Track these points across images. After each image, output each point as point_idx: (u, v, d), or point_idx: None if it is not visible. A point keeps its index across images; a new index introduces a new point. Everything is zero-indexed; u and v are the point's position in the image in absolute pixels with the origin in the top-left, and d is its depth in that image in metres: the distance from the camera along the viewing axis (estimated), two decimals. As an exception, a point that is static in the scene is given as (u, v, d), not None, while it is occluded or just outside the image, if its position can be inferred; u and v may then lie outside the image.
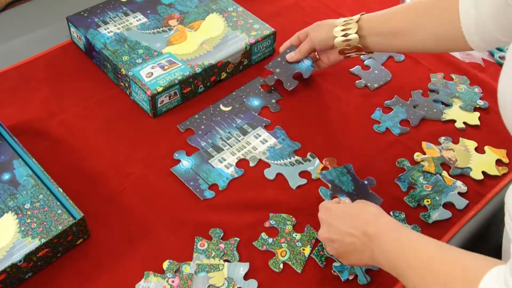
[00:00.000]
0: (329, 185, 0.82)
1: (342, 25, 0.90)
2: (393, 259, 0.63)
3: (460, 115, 0.97)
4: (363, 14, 0.90)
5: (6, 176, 0.82)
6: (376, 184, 0.83)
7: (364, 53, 0.92)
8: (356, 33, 0.88)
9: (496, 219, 0.83)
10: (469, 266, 0.56)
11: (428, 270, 0.59)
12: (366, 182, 0.83)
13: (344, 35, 0.89)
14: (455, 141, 0.92)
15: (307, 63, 0.98)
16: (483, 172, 0.88)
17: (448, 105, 0.99)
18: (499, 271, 0.53)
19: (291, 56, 0.98)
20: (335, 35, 0.90)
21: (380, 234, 0.65)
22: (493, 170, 0.89)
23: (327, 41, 0.92)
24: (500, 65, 1.08)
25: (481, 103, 0.99)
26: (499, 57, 1.09)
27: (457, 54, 1.10)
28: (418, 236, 0.64)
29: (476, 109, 0.98)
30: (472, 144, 0.93)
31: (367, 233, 0.66)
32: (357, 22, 0.88)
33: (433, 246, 0.62)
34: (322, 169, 0.87)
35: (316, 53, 0.98)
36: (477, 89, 1.01)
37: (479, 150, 0.92)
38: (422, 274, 0.59)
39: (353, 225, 0.68)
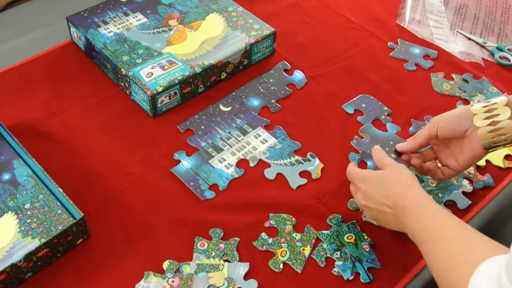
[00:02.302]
0: (360, 151, 0.89)
1: (484, 104, 0.72)
2: (415, 233, 0.66)
3: None
4: (507, 95, 0.72)
5: (6, 176, 0.82)
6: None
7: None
8: (509, 118, 0.70)
9: (496, 221, 0.83)
10: (473, 249, 0.58)
11: (437, 245, 0.62)
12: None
13: (491, 124, 0.71)
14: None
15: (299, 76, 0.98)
16: (487, 161, 0.89)
17: (465, 100, 1.00)
18: (496, 262, 0.54)
19: (402, 145, 0.80)
20: (476, 124, 0.71)
21: (407, 208, 0.67)
22: (498, 161, 0.89)
23: (459, 123, 0.74)
24: (500, 65, 1.08)
25: None
26: (499, 57, 1.09)
27: (457, 54, 1.10)
28: (440, 212, 0.66)
29: None
30: None
31: (396, 206, 0.69)
32: (506, 105, 0.71)
33: (450, 224, 0.63)
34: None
35: (436, 160, 0.80)
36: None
37: None
38: (432, 249, 0.63)
39: (386, 195, 0.71)
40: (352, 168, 0.78)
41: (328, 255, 0.76)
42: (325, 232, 0.78)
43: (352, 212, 0.82)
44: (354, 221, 0.80)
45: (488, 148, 0.72)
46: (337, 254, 0.76)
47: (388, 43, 1.11)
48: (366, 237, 0.78)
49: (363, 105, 0.98)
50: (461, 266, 0.57)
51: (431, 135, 0.76)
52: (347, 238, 0.78)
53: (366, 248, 0.77)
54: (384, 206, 0.71)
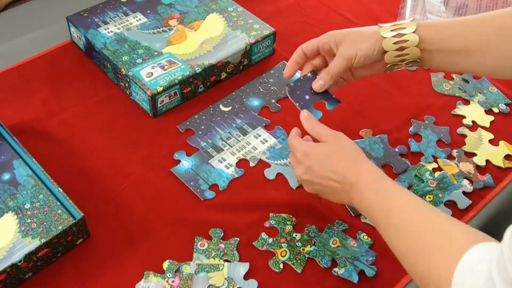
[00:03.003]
0: None
1: (392, 28, 0.72)
2: (374, 213, 0.63)
3: (472, 112, 0.97)
4: (414, 20, 0.72)
5: (6, 176, 0.82)
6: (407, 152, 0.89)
7: (415, 67, 0.76)
8: (414, 32, 0.70)
9: (496, 221, 0.83)
10: (455, 237, 0.54)
11: (411, 233, 0.58)
12: (397, 149, 0.89)
13: (397, 36, 0.71)
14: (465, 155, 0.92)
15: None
16: (487, 161, 0.89)
17: (465, 100, 1.00)
18: (485, 247, 0.51)
19: (321, 86, 0.77)
20: (382, 34, 0.72)
21: (361, 184, 0.65)
22: (498, 161, 0.89)
23: (373, 57, 0.73)
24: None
25: (503, 107, 0.99)
26: (499, 57, 1.09)
27: (457, 54, 1.10)
28: (401, 191, 0.63)
29: (489, 112, 0.98)
30: (487, 135, 0.93)
31: (347, 181, 0.66)
32: (412, 21, 0.71)
33: (418, 207, 0.60)
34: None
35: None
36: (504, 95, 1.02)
37: (493, 143, 0.93)
38: (405, 237, 0.59)
39: (334, 170, 0.68)
40: (294, 139, 0.74)
41: (329, 268, 0.75)
42: (311, 249, 0.77)
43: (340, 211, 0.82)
44: (328, 224, 0.80)
45: (391, 70, 0.75)
46: (335, 264, 0.76)
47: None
48: (365, 237, 0.78)
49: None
50: (446, 256, 0.53)
51: (347, 66, 0.75)
52: (332, 243, 0.78)
53: (354, 244, 0.77)
54: (331, 181, 0.68)
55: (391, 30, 0.71)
